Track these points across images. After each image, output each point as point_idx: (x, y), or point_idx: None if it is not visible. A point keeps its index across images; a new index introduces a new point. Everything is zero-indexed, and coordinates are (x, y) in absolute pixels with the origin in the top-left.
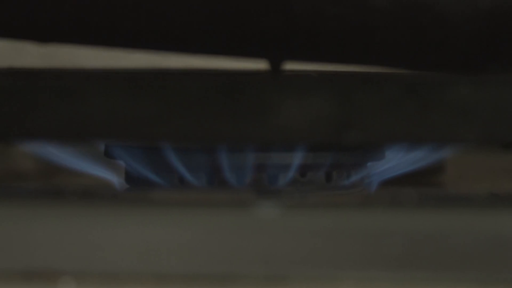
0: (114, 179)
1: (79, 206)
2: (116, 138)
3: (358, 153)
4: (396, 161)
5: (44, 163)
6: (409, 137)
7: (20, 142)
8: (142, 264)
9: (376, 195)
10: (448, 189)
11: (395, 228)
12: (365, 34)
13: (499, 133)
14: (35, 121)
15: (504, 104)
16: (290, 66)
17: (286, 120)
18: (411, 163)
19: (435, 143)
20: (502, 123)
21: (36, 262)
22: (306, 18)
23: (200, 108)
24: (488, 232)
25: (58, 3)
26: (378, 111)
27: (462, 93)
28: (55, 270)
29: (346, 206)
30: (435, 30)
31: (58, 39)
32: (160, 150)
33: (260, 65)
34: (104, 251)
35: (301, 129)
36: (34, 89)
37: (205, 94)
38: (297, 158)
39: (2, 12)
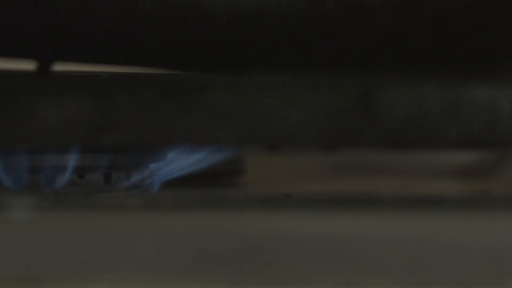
0: None
1: None
2: None
3: (138, 154)
4: (178, 162)
5: None
6: (167, 139)
7: None
8: None
9: (133, 197)
10: (226, 191)
11: (149, 230)
12: (129, 35)
13: (256, 135)
14: None
15: (261, 106)
16: (63, 67)
17: (42, 122)
18: (193, 164)
19: (193, 145)
20: (259, 125)
21: None
22: (72, 18)
23: None
24: (245, 233)
25: None
26: (135, 113)
27: (220, 94)
28: None
29: (98, 207)
30: (198, 31)
31: None
32: None
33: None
34: None
35: (57, 130)
36: None
37: None
38: (72, 160)
39: None
